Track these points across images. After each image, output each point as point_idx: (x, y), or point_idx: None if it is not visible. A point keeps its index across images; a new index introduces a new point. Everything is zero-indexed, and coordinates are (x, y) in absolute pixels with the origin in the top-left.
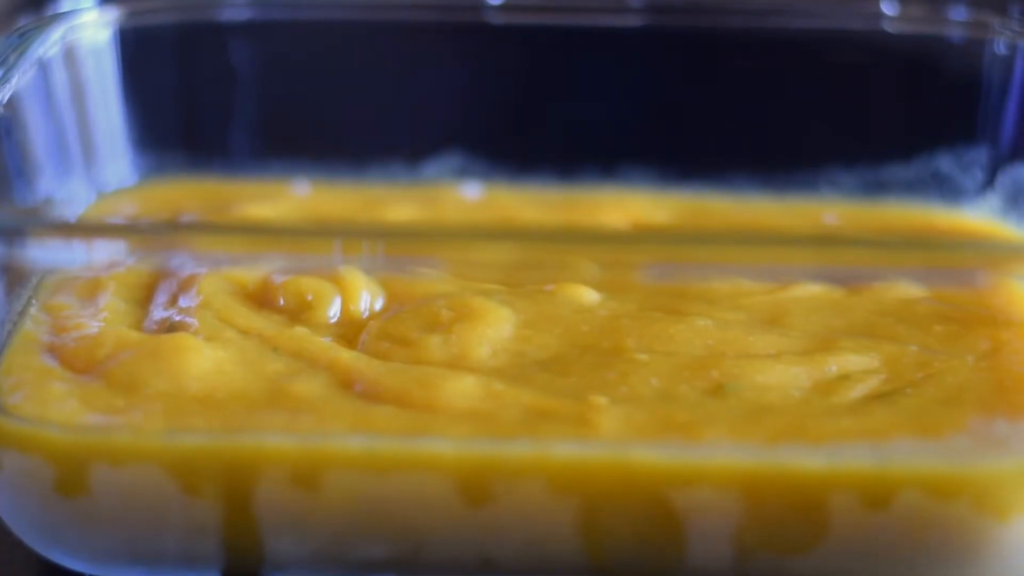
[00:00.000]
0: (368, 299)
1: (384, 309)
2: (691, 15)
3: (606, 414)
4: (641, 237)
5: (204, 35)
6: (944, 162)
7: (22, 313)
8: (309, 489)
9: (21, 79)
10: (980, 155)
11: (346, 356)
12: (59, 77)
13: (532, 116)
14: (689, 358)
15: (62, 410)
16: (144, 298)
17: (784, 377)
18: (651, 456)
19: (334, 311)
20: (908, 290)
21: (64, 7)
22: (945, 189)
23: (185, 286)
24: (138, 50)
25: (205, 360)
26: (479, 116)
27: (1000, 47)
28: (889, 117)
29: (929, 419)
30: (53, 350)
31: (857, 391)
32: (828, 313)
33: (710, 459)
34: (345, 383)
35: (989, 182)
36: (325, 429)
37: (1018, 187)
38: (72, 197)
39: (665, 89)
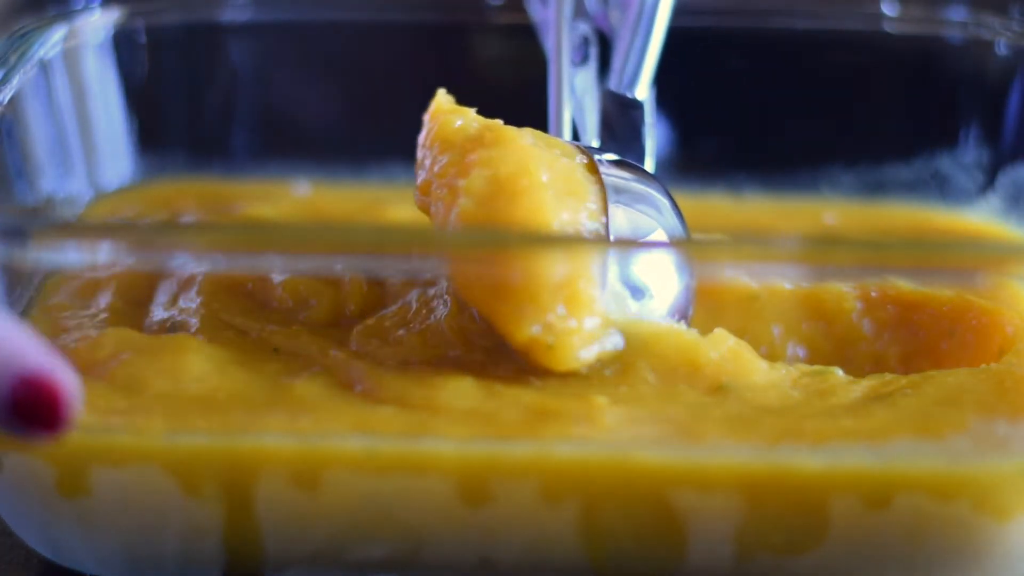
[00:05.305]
0: (368, 299)
1: (384, 309)
2: (691, 15)
3: (606, 414)
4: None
5: (204, 35)
6: (944, 162)
7: (23, 313)
8: (309, 489)
9: (22, 79)
10: (980, 156)
11: (346, 356)
12: (60, 77)
13: (533, 116)
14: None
15: None
16: (144, 298)
17: (784, 377)
18: (651, 456)
19: (335, 311)
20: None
21: (65, 8)
22: (945, 189)
23: (185, 286)
24: (138, 50)
25: (205, 360)
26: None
27: (1000, 48)
28: (889, 117)
29: (929, 419)
30: (53, 351)
31: (857, 391)
32: None
33: (710, 459)
34: (345, 383)
35: (989, 183)
36: (325, 429)
37: (1018, 188)
38: (72, 197)
39: (664, 89)
